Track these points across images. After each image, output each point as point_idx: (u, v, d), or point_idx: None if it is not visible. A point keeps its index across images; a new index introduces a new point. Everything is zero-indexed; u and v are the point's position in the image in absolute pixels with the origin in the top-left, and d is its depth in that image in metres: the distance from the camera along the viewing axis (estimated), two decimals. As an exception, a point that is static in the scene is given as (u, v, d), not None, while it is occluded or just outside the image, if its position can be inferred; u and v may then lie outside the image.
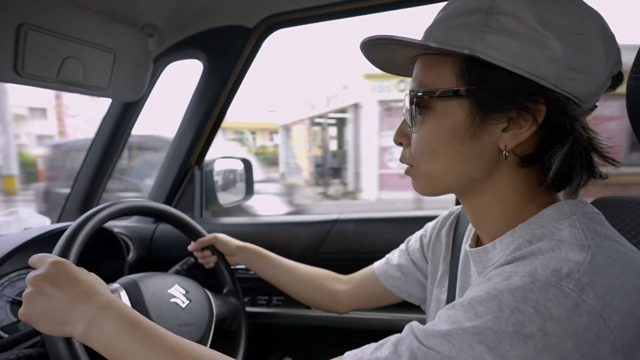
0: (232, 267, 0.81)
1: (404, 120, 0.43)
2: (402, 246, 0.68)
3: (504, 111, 0.36)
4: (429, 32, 0.40)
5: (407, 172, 0.44)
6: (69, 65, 0.73)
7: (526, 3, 0.34)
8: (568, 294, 0.29)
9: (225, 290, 0.78)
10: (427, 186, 0.43)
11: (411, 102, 0.40)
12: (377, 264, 0.69)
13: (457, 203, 0.96)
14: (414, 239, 0.66)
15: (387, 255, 0.69)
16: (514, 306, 0.30)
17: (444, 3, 0.40)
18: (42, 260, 0.46)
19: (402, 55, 0.42)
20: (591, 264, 0.31)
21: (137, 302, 0.57)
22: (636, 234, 0.49)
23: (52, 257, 0.47)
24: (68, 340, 0.45)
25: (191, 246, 0.79)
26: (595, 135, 0.37)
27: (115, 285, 0.59)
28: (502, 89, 0.36)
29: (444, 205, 0.79)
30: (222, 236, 0.80)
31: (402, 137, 0.44)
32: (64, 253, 0.52)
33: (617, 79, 0.39)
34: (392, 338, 0.36)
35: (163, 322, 0.57)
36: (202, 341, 0.61)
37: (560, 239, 0.34)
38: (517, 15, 0.34)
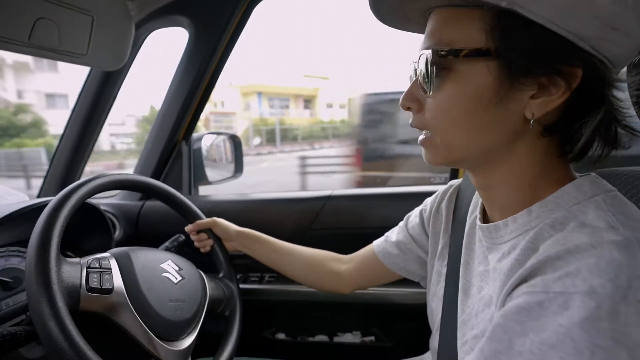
0: (229, 252, 0.79)
1: (415, 82, 0.38)
2: (402, 223, 0.66)
3: (536, 76, 0.33)
4: None
5: (423, 143, 0.40)
6: (42, 27, 0.67)
7: None
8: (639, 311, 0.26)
9: (220, 275, 0.76)
10: (442, 157, 0.39)
11: (431, 63, 0.35)
12: (376, 242, 0.68)
13: (452, 177, 0.96)
14: (413, 215, 0.64)
15: (387, 233, 0.68)
16: (591, 343, 0.26)
17: None
18: None
19: (417, 5, 0.37)
20: None
21: (128, 271, 0.55)
22: None
23: None
24: (57, 317, 0.43)
25: (188, 227, 0.77)
26: (621, 104, 0.34)
27: (106, 254, 0.57)
28: (537, 49, 0.31)
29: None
30: (221, 221, 0.78)
31: (412, 102, 0.39)
32: (48, 228, 0.49)
33: None
34: None
35: (154, 294, 0.55)
36: (193, 320, 0.60)
37: (592, 226, 0.31)
38: None
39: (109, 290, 0.51)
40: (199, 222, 0.76)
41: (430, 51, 0.35)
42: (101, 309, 0.50)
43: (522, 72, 0.33)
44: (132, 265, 0.56)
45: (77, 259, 0.53)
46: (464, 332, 0.44)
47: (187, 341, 0.57)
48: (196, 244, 0.78)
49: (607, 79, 0.33)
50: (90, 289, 0.50)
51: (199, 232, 0.77)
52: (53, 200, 0.53)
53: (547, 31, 0.31)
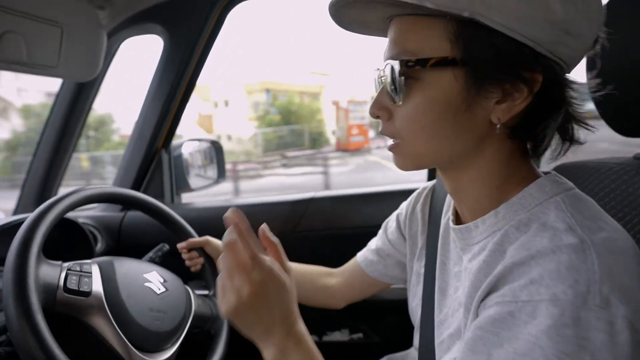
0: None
1: (382, 90, 0.38)
2: (381, 230, 0.67)
3: (501, 82, 0.34)
4: None
5: (392, 149, 0.40)
6: (8, 40, 0.65)
7: None
8: (599, 316, 0.27)
9: (210, 293, 0.75)
10: (412, 164, 0.40)
11: (399, 72, 0.35)
12: (360, 253, 0.69)
13: (430, 178, 0.98)
14: (391, 220, 0.65)
15: (369, 242, 0.69)
16: (558, 350, 0.27)
17: None
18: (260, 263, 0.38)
19: (378, 14, 0.37)
20: (601, 268, 0.29)
21: (109, 277, 0.55)
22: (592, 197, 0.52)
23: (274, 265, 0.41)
24: (28, 312, 0.43)
25: (180, 245, 0.75)
26: (576, 102, 0.36)
27: (89, 260, 0.57)
28: (500, 57, 0.33)
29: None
30: (214, 240, 0.76)
31: (381, 110, 0.39)
32: (25, 247, 0.48)
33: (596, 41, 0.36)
34: None
35: (133, 302, 0.55)
36: (174, 333, 0.59)
37: (553, 227, 0.33)
38: None
39: (87, 293, 0.51)
40: (191, 240, 0.74)
41: (397, 61, 0.35)
42: (77, 312, 0.50)
43: (487, 79, 0.34)
44: (114, 272, 0.56)
45: (58, 262, 0.53)
46: (441, 331, 0.46)
47: (165, 354, 0.56)
48: (187, 262, 0.77)
49: (564, 81, 0.35)
50: (68, 290, 0.50)
51: (190, 250, 0.76)
52: (38, 209, 0.53)
53: (508, 39, 0.32)
